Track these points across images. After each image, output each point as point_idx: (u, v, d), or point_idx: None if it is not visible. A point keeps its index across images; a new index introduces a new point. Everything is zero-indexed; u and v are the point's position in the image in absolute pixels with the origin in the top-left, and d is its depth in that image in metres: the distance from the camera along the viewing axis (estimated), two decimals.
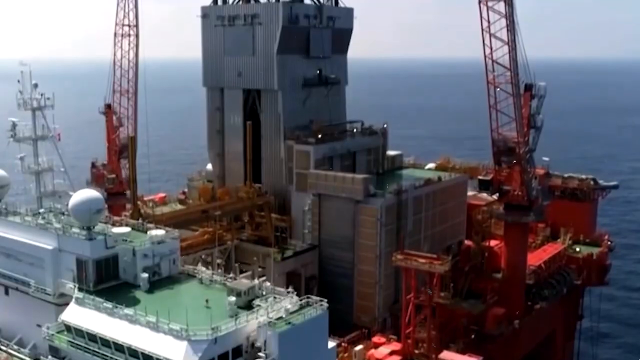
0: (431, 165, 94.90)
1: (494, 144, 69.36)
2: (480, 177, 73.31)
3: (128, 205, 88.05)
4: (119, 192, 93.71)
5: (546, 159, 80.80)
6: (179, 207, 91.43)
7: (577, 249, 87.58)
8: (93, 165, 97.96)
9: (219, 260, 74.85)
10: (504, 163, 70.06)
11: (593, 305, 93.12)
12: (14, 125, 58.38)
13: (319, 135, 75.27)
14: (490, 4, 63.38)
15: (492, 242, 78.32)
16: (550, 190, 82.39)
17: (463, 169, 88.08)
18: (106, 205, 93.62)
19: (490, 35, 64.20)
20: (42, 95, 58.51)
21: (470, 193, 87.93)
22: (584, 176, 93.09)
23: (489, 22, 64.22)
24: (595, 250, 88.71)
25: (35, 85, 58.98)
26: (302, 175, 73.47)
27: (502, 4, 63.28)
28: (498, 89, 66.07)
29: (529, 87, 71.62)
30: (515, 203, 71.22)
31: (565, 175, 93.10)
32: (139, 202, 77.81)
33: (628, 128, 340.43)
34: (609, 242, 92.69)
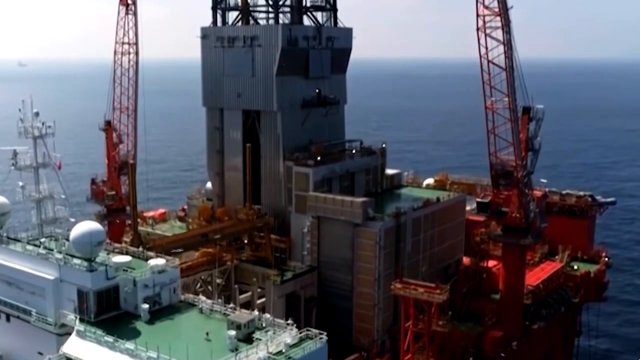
0: (429, 180, 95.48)
1: (492, 167, 69.68)
2: (478, 200, 73.87)
3: (128, 221, 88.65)
4: (118, 208, 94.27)
5: (544, 180, 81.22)
6: (179, 224, 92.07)
7: (575, 267, 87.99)
8: (93, 182, 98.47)
9: (218, 281, 75.42)
10: (502, 186, 70.39)
11: (591, 320, 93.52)
12: (16, 153, 58.91)
13: (318, 157, 75.58)
14: (488, 31, 63.75)
15: (490, 263, 78.75)
16: (548, 207, 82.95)
17: (461, 186, 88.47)
18: (106, 222, 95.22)
19: (489, 61, 64.58)
20: (43, 124, 59.03)
21: (468, 208, 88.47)
22: (581, 193, 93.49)
23: (487, 48, 64.60)
24: (593, 268, 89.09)
25: (37, 114, 59.49)
26: (302, 197, 73.89)
27: (499, 31, 63.65)
28: (496, 114, 66.40)
29: (527, 110, 72.05)
30: (514, 225, 71.58)
31: (563, 192, 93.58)
32: (138, 220, 78.23)
33: (628, 133, 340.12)
34: (606, 259, 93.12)
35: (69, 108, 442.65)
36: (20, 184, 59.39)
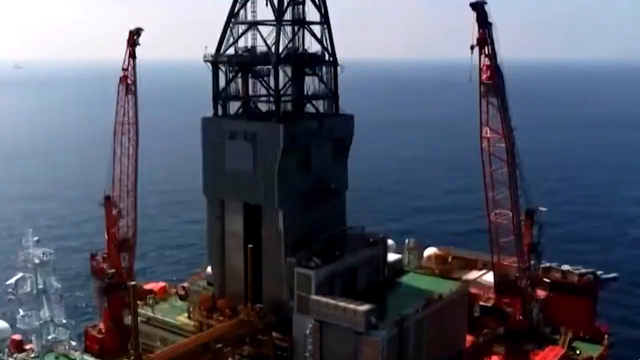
0: (430, 250, 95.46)
1: (495, 274, 69.55)
2: (481, 304, 73.68)
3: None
4: (118, 284, 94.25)
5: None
6: (180, 303, 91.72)
7: (578, 352, 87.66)
8: (92, 257, 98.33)
9: None
10: (505, 292, 70.20)
11: None
12: (15, 284, 58.66)
13: (320, 257, 74.81)
14: (492, 149, 63.39)
15: (494, 358, 78.38)
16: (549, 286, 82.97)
17: (462, 261, 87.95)
18: (105, 298, 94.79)
19: (492, 179, 64.22)
20: (43, 253, 58.72)
21: (470, 277, 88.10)
22: (583, 270, 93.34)
23: (490, 165, 64.30)
24: (596, 351, 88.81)
25: (37, 241, 59.16)
26: (304, 299, 73.32)
27: (503, 150, 63.28)
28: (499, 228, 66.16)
29: (530, 213, 71.79)
30: (516, 328, 71.42)
31: (565, 269, 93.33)
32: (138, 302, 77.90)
33: (625, 140, 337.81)
34: (608, 336, 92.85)
35: (66, 117, 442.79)
36: (21, 311, 59.14)
